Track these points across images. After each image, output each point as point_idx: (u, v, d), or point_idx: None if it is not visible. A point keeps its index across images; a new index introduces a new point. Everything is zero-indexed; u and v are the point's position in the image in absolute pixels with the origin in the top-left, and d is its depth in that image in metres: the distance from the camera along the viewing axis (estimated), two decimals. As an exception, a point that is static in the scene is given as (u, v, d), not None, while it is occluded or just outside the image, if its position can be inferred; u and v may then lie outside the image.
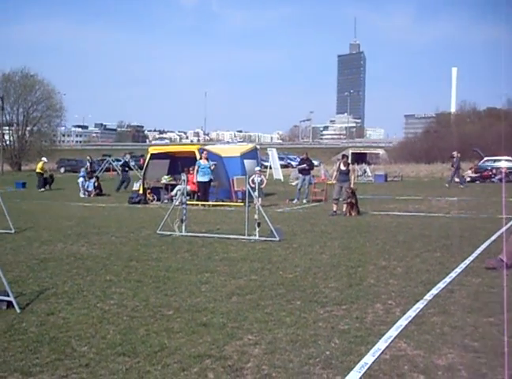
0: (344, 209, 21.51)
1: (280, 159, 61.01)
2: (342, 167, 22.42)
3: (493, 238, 15.24)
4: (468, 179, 45.59)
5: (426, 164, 66.76)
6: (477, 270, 11.03)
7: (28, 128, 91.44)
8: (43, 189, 40.25)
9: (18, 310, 8.17)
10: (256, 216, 15.32)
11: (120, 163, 52.30)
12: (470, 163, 53.58)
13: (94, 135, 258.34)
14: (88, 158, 54.50)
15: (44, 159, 43.92)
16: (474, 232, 16.37)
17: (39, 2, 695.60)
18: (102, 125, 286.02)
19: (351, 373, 5.88)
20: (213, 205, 24.99)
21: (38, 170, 41.79)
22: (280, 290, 9.50)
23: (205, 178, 25.34)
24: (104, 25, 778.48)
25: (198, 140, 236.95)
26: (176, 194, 23.95)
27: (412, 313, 8.04)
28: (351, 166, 23.24)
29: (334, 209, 21.71)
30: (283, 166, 56.26)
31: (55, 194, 35.89)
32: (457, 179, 40.88)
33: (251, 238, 15.21)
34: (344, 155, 23.99)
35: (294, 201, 27.86)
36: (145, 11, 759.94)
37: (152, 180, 29.18)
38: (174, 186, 27.70)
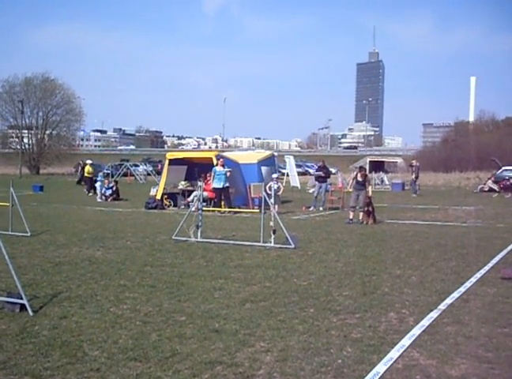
0: (360, 217, 21.48)
1: (298, 166, 61.07)
2: (359, 178, 22.35)
3: (509, 247, 15.19)
4: (487, 189, 45.34)
5: (444, 173, 66.44)
6: (492, 280, 10.98)
7: (48, 132, 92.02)
8: (91, 194, 39.42)
9: (31, 313, 8.19)
10: (272, 223, 15.30)
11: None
12: (488, 173, 53.26)
13: (113, 140, 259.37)
14: (80, 162, 56.38)
15: (89, 161, 43.05)
16: (490, 242, 16.30)
17: (60, 7, 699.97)
18: (121, 130, 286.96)
19: (362, 382, 5.86)
20: (229, 211, 24.98)
21: (86, 175, 41.03)
22: (294, 298, 9.48)
23: (221, 185, 25.31)
24: (125, 31, 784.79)
25: (216, 147, 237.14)
26: (193, 200, 23.98)
27: (425, 322, 8.00)
28: (367, 178, 23.10)
29: (351, 217, 21.70)
30: (300, 174, 56.26)
31: (73, 198, 35.93)
32: (413, 187, 41.81)
33: (266, 245, 15.18)
34: (361, 167, 23.94)
35: (310, 209, 27.79)
36: (167, 17, 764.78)
37: (169, 186, 29.17)
38: (191, 192, 27.73)
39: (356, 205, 22.07)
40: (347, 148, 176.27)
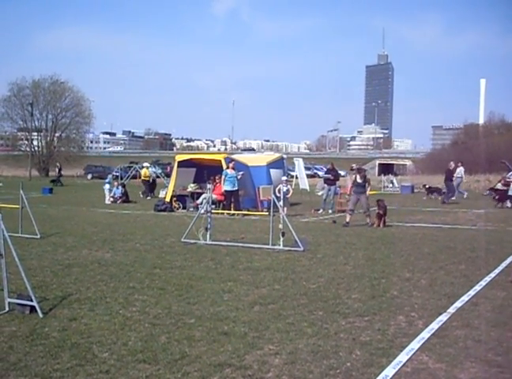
0: (368, 220, 21.40)
1: (307, 168, 60.99)
2: (358, 180, 22.16)
3: (520, 251, 15.10)
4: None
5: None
6: (502, 283, 10.96)
7: (57, 134, 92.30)
8: (149, 197, 38.37)
9: (41, 315, 8.23)
10: (281, 226, 15.30)
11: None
12: (498, 176, 53.00)
13: (122, 142, 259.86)
14: (57, 164, 59.13)
15: (146, 164, 42.16)
16: (500, 245, 16.24)
17: (68, 10, 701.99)
18: (130, 132, 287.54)
19: (371, 386, 5.86)
20: (238, 214, 24.97)
21: (143, 178, 39.94)
22: (303, 301, 9.48)
23: (232, 187, 25.32)
24: (134, 33, 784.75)
25: (226, 149, 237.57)
26: (202, 202, 24.00)
27: (434, 325, 7.99)
28: (368, 179, 23.01)
29: (347, 220, 21.48)
30: (309, 176, 56.21)
31: (82, 200, 35.96)
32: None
33: (275, 247, 15.18)
34: (360, 168, 23.81)
35: (319, 211, 27.75)
36: (176, 20, 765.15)
37: (178, 188, 29.18)
38: (200, 194, 27.71)
39: (355, 209, 22.02)
40: (244, 149, 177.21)
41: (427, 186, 43.55)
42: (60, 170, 60.61)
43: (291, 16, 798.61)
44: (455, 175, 40.34)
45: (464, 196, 38.77)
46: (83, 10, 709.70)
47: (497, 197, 33.53)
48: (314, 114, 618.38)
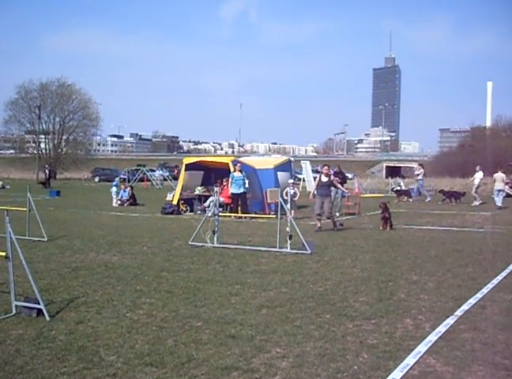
0: (335, 226, 20.83)
1: (314, 171, 61.09)
2: (323, 179, 21.16)
3: (527, 254, 15.04)
4: (504, 194, 44.92)
5: (460, 178, 65.95)
6: (510, 286, 10.92)
7: (64, 137, 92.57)
8: None
9: (48, 318, 8.23)
10: (288, 229, 15.28)
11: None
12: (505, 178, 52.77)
13: (129, 145, 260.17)
14: (46, 166, 60.12)
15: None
16: (507, 247, 16.19)
17: (77, 13, 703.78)
18: (137, 135, 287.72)
19: (378, 389, 5.84)
20: (245, 217, 24.92)
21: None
22: (310, 304, 9.47)
23: (239, 190, 25.28)
24: (142, 36, 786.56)
25: (233, 152, 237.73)
26: (209, 205, 23.99)
27: (442, 328, 7.96)
28: (332, 178, 21.97)
29: (318, 225, 20.70)
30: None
31: (89, 203, 35.97)
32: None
33: (283, 250, 15.16)
34: (326, 165, 22.22)
35: (326, 214, 27.64)
36: (183, 22, 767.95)
37: (185, 191, 29.18)
38: (207, 197, 27.73)
39: (322, 213, 20.85)
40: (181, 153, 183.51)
41: (395, 189, 43.42)
42: (50, 172, 61.83)
43: (298, 19, 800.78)
44: (417, 178, 40.28)
45: (427, 199, 38.33)
46: (90, 13, 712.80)
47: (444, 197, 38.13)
48: (321, 116, 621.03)
